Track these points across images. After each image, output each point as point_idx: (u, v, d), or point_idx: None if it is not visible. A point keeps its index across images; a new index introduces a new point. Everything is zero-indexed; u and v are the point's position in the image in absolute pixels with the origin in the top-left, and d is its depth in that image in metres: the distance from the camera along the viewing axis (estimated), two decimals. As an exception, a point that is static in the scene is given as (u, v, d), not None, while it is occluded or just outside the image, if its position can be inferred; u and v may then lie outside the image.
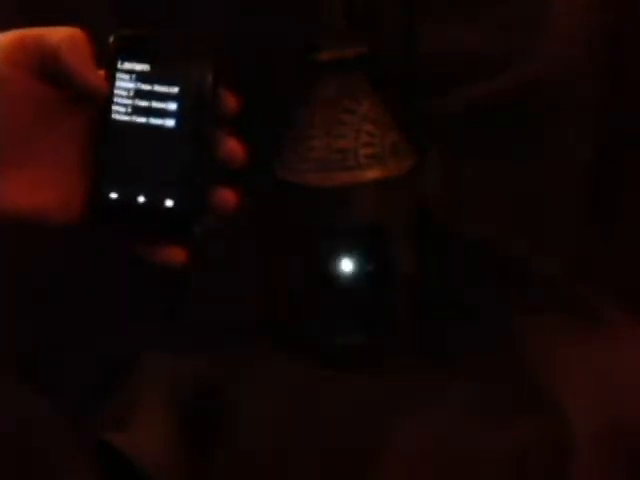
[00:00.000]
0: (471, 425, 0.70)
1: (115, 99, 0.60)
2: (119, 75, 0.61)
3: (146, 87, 0.60)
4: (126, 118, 0.60)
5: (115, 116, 0.60)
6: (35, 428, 0.62)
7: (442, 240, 0.83)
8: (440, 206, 0.84)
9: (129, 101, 0.60)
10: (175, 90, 0.60)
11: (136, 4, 0.78)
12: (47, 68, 0.57)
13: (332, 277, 0.80)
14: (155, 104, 0.60)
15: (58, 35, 0.57)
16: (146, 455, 0.66)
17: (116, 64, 0.61)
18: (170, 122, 0.60)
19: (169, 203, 0.60)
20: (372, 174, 0.74)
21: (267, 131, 0.77)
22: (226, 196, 0.61)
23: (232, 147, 0.60)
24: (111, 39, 0.61)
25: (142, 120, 0.60)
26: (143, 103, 0.60)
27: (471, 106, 0.82)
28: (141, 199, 0.60)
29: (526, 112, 0.82)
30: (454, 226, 0.84)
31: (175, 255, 0.60)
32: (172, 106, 0.60)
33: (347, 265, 0.80)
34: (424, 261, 0.80)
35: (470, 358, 0.77)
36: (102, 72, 0.60)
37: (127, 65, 0.61)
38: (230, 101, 0.60)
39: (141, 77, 0.60)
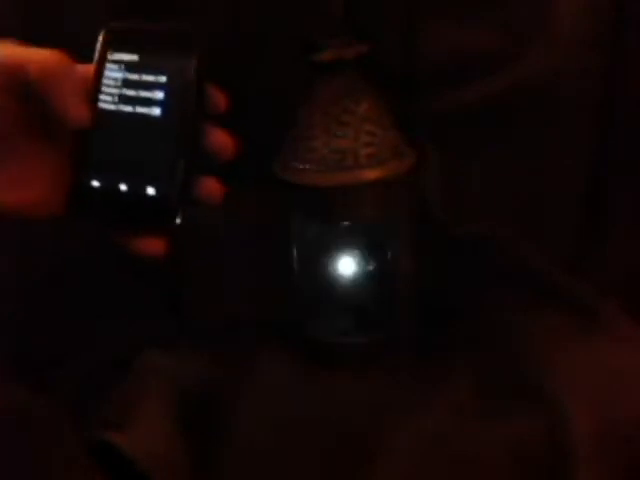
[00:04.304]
0: (471, 425, 0.70)
1: (103, 88, 0.60)
2: (108, 65, 0.61)
3: (134, 76, 0.60)
4: (113, 107, 0.60)
5: (102, 105, 0.60)
6: (35, 428, 0.62)
7: (442, 240, 0.83)
8: (440, 206, 0.84)
9: (116, 90, 0.60)
10: (162, 79, 0.60)
11: (135, 4, 0.78)
12: (28, 97, 0.57)
13: (332, 277, 0.80)
14: (142, 93, 0.60)
15: (36, 67, 0.56)
16: (146, 455, 0.65)
17: (105, 55, 0.61)
18: (156, 111, 0.60)
19: (151, 191, 0.59)
20: (372, 174, 0.74)
21: (267, 131, 0.77)
22: (211, 186, 0.60)
23: (221, 139, 0.60)
24: (101, 32, 0.61)
25: (129, 109, 0.60)
26: (130, 92, 0.60)
27: (471, 106, 0.82)
28: (123, 187, 0.59)
29: (526, 112, 0.82)
30: (454, 226, 0.84)
31: (154, 246, 0.60)
32: (159, 95, 0.60)
33: (347, 265, 0.80)
34: (424, 261, 0.80)
35: (470, 358, 0.77)
36: (84, 99, 0.59)
37: (116, 56, 0.61)
38: (216, 94, 0.60)
39: (129, 67, 0.61)
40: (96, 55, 0.61)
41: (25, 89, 0.57)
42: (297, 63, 0.76)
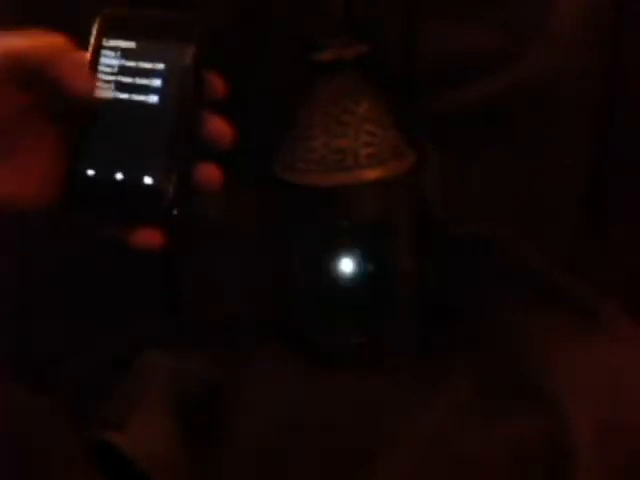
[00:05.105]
0: (471, 425, 0.70)
1: (98, 75, 0.59)
2: (104, 52, 0.60)
3: (130, 64, 0.59)
4: (109, 95, 0.59)
5: (97, 92, 0.60)
6: (35, 428, 0.62)
7: (442, 240, 0.83)
8: (440, 206, 0.84)
9: (113, 77, 0.59)
10: (159, 67, 0.59)
11: (135, 3, 0.78)
12: (28, 86, 0.57)
13: (332, 277, 0.80)
14: (139, 80, 0.59)
15: (44, 52, 0.56)
16: (146, 455, 0.65)
17: (101, 41, 0.60)
18: (153, 98, 0.59)
19: (148, 180, 0.58)
20: (372, 174, 0.74)
21: (267, 131, 0.77)
22: (210, 172, 0.59)
23: (219, 127, 0.60)
24: (97, 18, 0.61)
25: (125, 96, 0.59)
26: (127, 79, 0.59)
27: (471, 106, 0.82)
28: (119, 176, 0.58)
29: (526, 112, 0.82)
30: (454, 226, 0.84)
31: (150, 238, 0.58)
32: (156, 82, 0.59)
33: (347, 265, 0.80)
34: (424, 261, 0.80)
35: (470, 358, 0.77)
36: (93, 75, 0.59)
37: (112, 42, 0.60)
38: (214, 80, 0.60)
39: (126, 54, 0.60)
40: (91, 41, 0.60)
41: (27, 78, 0.56)
42: (297, 63, 0.76)
